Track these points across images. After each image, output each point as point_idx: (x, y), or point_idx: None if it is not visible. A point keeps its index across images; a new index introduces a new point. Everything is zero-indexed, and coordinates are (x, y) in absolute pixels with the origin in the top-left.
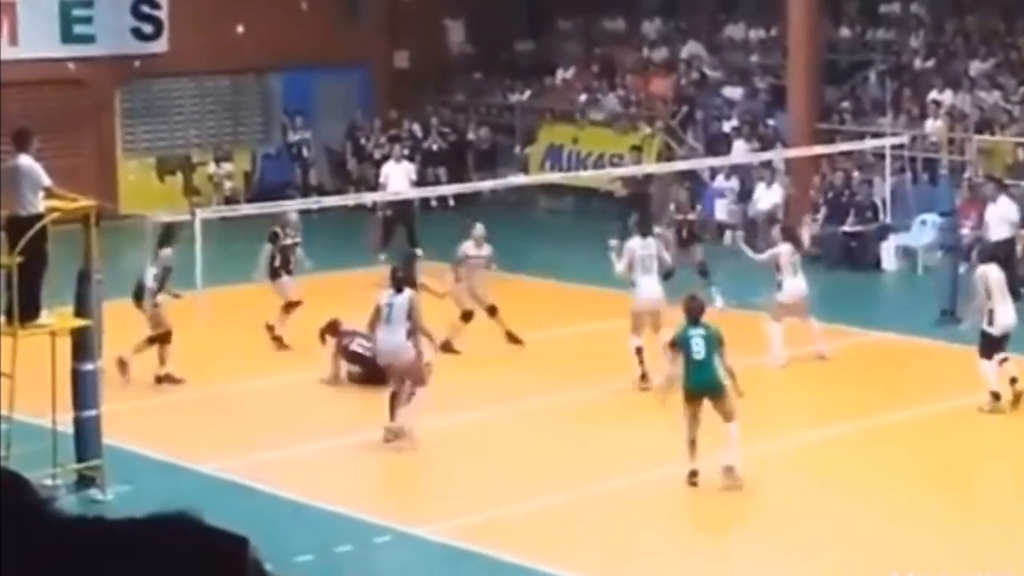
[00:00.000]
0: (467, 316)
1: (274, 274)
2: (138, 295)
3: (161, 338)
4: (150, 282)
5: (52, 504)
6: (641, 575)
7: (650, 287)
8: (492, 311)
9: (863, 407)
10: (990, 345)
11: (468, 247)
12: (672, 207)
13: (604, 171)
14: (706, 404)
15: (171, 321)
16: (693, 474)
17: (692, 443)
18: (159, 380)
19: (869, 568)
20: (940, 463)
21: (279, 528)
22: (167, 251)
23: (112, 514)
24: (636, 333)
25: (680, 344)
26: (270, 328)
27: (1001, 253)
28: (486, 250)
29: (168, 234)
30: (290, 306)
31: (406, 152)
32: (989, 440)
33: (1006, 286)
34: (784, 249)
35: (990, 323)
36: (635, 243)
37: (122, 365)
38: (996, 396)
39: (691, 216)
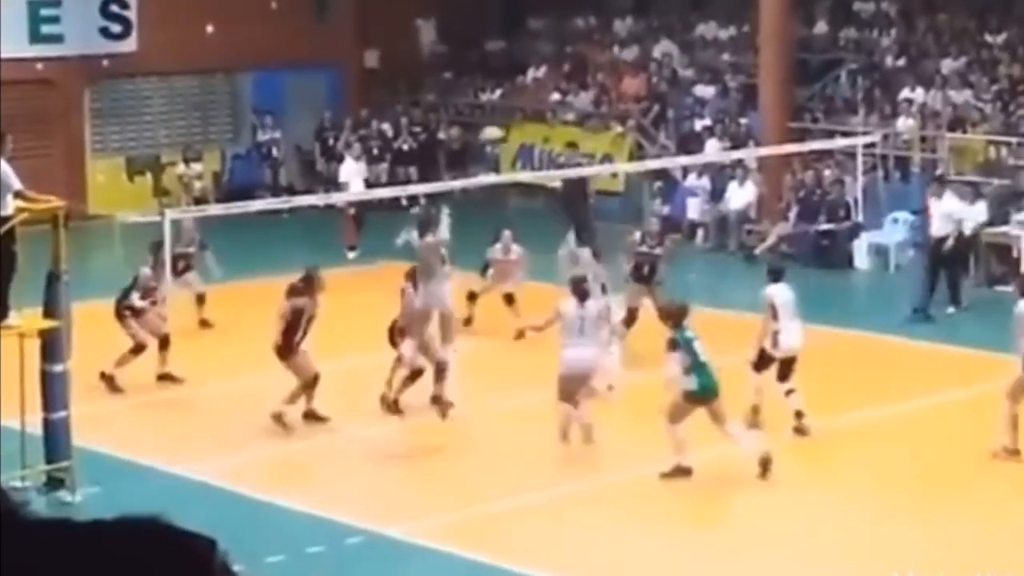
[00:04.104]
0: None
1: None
2: (118, 306)
3: (161, 343)
4: (136, 298)
5: (23, 509)
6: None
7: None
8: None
9: (835, 406)
10: None
11: (496, 252)
12: (636, 237)
13: (575, 170)
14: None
15: (153, 330)
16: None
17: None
18: (160, 377)
19: (865, 568)
20: (918, 460)
21: (250, 529)
22: (145, 270)
23: (81, 516)
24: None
25: (681, 346)
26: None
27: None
28: (515, 254)
29: (153, 253)
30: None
31: (357, 149)
32: (965, 436)
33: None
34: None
35: None
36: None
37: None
38: None
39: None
